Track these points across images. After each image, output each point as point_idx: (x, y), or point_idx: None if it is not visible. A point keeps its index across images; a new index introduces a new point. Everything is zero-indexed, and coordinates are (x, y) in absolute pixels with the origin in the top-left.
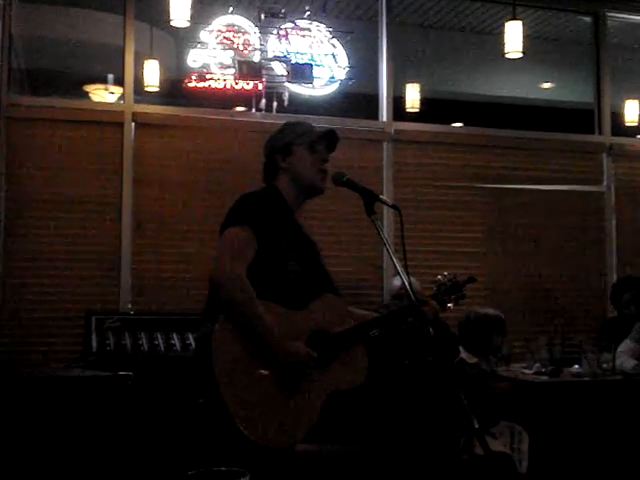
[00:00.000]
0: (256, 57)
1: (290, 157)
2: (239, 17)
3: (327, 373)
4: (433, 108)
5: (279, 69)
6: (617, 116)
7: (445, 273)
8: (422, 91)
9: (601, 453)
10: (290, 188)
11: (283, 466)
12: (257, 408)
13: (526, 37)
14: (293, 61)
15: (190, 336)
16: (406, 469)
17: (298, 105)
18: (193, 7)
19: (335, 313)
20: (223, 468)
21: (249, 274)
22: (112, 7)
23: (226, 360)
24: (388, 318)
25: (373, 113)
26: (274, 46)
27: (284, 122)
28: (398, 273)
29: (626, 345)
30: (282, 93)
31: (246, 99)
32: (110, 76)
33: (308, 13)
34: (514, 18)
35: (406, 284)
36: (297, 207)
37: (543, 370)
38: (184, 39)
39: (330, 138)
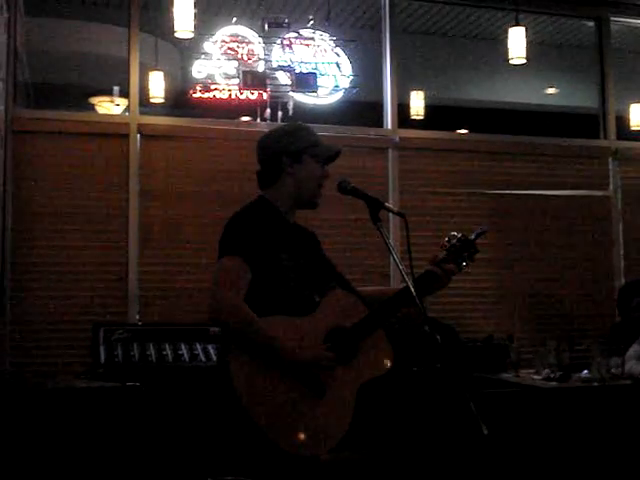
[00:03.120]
0: (260, 67)
1: (299, 165)
2: (243, 27)
3: (352, 367)
4: (438, 115)
5: (283, 78)
6: (622, 120)
7: (452, 233)
8: (426, 98)
9: (611, 458)
10: (288, 195)
11: (293, 475)
12: (287, 420)
13: (530, 43)
14: (297, 70)
15: (198, 346)
16: (413, 475)
17: (303, 114)
18: (197, 18)
19: (346, 306)
20: (230, 477)
21: (255, 294)
22: (116, 19)
23: (247, 385)
24: (396, 299)
25: (378, 121)
26: (278, 56)
27: (291, 123)
28: (405, 280)
29: (635, 349)
30: (287, 102)
31: (251, 109)
32: (115, 88)
33: (312, 22)
34: (517, 24)
35: (412, 291)
36: (289, 215)
37: (552, 376)
38: (188, 50)
39: (335, 157)
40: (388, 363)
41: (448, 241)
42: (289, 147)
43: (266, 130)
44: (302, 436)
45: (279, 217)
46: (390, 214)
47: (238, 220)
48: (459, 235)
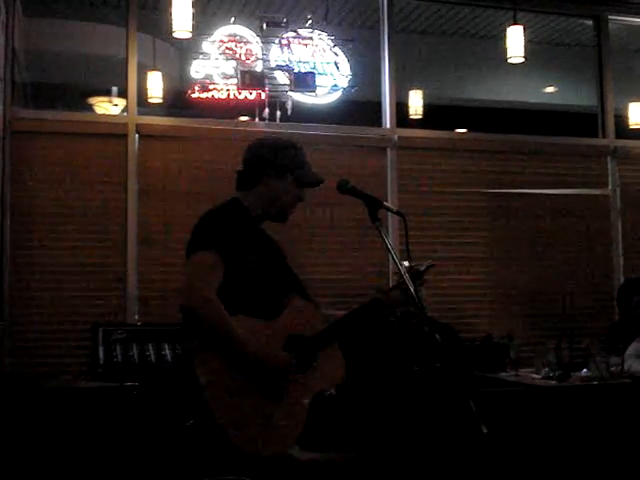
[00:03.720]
0: (259, 67)
1: (279, 181)
2: (241, 27)
3: (308, 375)
4: (436, 114)
5: (282, 78)
6: (621, 119)
7: (405, 263)
8: (425, 97)
9: (611, 457)
10: (260, 203)
11: (289, 475)
12: (247, 420)
13: (528, 42)
14: (296, 70)
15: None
16: (413, 475)
17: (301, 114)
18: (195, 18)
19: (307, 316)
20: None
21: (221, 292)
22: (114, 20)
23: (211, 379)
24: (357, 314)
25: (376, 120)
26: (276, 55)
27: (285, 139)
28: (403, 280)
29: (634, 348)
30: (285, 102)
31: (249, 109)
32: (113, 88)
33: (310, 22)
34: (515, 23)
35: (411, 290)
36: (259, 221)
37: (551, 375)
38: (187, 50)
39: (315, 185)
40: (341, 377)
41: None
42: (276, 161)
43: (265, 130)
44: (257, 436)
45: (250, 221)
46: (389, 213)
47: (212, 217)
48: (410, 265)
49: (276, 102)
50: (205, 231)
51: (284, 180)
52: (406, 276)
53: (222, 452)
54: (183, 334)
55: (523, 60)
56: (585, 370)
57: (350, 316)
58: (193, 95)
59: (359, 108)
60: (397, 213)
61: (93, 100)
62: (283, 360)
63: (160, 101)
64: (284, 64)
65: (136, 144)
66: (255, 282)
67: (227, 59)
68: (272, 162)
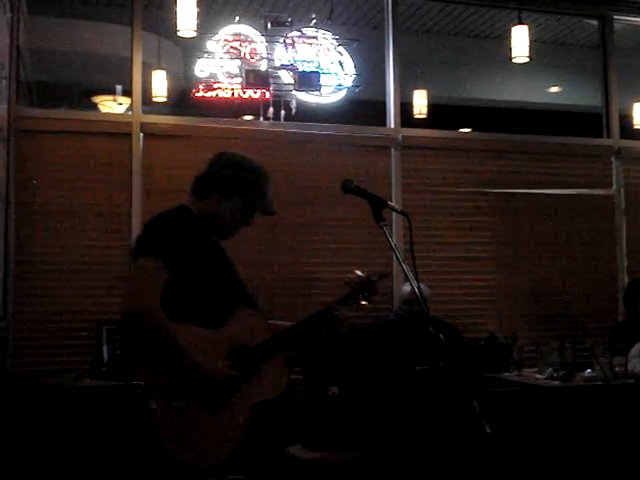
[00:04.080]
0: (263, 66)
1: (226, 200)
2: (245, 26)
3: (250, 386)
4: (441, 114)
5: (286, 77)
6: (625, 119)
7: (356, 271)
8: (429, 97)
9: (614, 457)
10: (204, 217)
11: (292, 475)
12: (184, 430)
13: (533, 41)
14: (300, 69)
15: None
16: (416, 474)
17: (306, 113)
18: (200, 17)
19: (253, 327)
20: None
21: (166, 299)
22: (119, 18)
23: (149, 390)
24: (302, 326)
25: (380, 120)
26: (281, 54)
27: (251, 161)
28: (408, 279)
29: (638, 348)
30: (289, 101)
31: (254, 108)
32: (118, 87)
33: (314, 21)
34: (520, 23)
35: (416, 290)
36: (208, 231)
37: (555, 375)
38: (191, 49)
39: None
40: (282, 389)
41: (349, 281)
42: (228, 180)
43: (269, 129)
44: (193, 446)
45: (199, 229)
46: (393, 213)
47: (158, 223)
48: (362, 275)
49: (280, 101)
50: (149, 237)
51: (230, 201)
52: (410, 276)
53: (159, 462)
54: (125, 338)
55: (528, 60)
56: (589, 370)
57: (294, 329)
58: (197, 94)
59: (363, 107)
60: (401, 213)
61: (98, 99)
62: (223, 370)
63: (165, 100)
64: (288, 63)
65: (141, 143)
66: (202, 290)
67: (232, 58)
68: (224, 180)
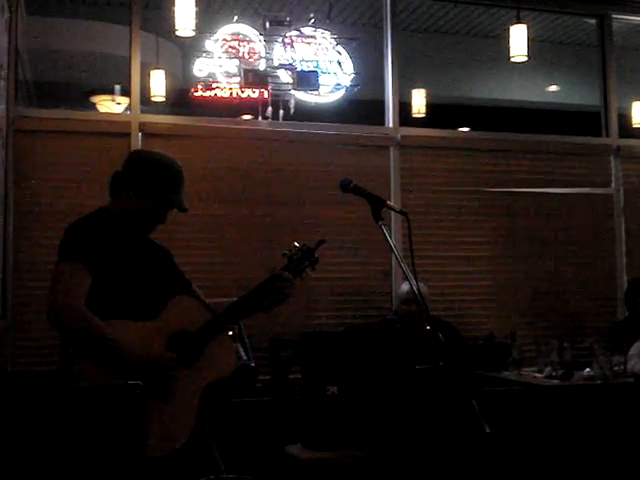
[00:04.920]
0: (262, 65)
1: (136, 200)
2: (244, 26)
3: (196, 370)
4: (439, 113)
5: (285, 77)
6: (624, 118)
7: (294, 244)
8: (428, 96)
9: (613, 456)
10: (120, 215)
11: (290, 474)
12: None
13: (531, 40)
14: (299, 69)
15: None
16: (416, 473)
17: (304, 112)
18: (198, 17)
19: (191, 312)
20: (232, 476)
21: (93, 301)
22: (118, 18)
23: (96, 384)
24: (244, 300)
25: (379, 119)
26: (279, 54)
27: (165, 158)
28: (406, 278)
29: (637, 347)
30: (288, 101)
31: (252, 107)
32: (116, 87)
33: (313, 20)
34: (518, 22)
35: (414, 289)
36: (128, 228)
37: (554, 374)
38: (190, 49)
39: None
40: (231, 366)
41: (289, 251)
42: (141, 177)
43: (268, 128)
44: (150, 437)
45: (119, 228)
46: (392, 212)
47: (80, 227)
48: (300, 245)
49: (279, 101)
50: (68, 242)
51: (142, 198)
52: (409, 275)
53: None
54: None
55: (526, 59)
56: (588, 369)
57: (236, 305)
58: (196, 94)
59: (362, 107)
60: (400, 212)
61: (96, 99)
62: (160, 356)
63: (163, 100)
64: (287, 63)
65: (139, 143)
66: (129, 288)
67: (230, 58)
68: (135, 178)
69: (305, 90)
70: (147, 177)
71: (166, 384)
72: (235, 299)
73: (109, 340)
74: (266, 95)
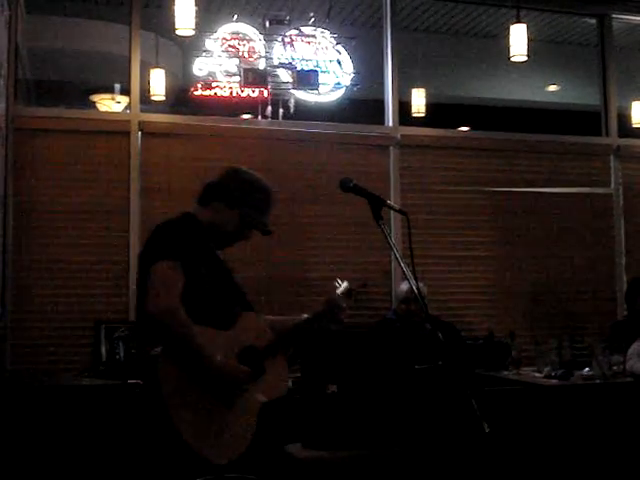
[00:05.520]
0: (261, 64)
1: (227, 211)
2: (244, 25)
3: (258, 386)
4: (439, 112)
5: (284, 76)
6: (624, 117)
7: (344, 284)
8: (428, 96)
9: (612, 455)
10: (206, 224)
11: (290, 473)
12: (204, 428)
13: (531, 40)
14: (298, 68)
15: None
16: (415, 472)
17: (304, 112)
18: (198, 16)
19: (257, 328)
20: (234, 475)
21: (182, 301)
22: (118, 17)
23: (173, 388)
24: (306, 324)
25: (379, 118)
26: (279, 53)
27: (262, 181)
28: (406, 278)
29: (636, 347)
30: (288, 100)
31: (252, 106)
32: (116, 86)
33: (313, 20)
34: (518, 21)
35: (414, 289)
36: (209, 238)
37: (553, 373)
38: (190, 48)
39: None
40: (284, 390)
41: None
42: (235, 192)
43: (267, 127)
44: (213, 443)
45: (204, 236)
46: (392, 212)
47: (173, 228)
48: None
49: (279, 100)
50: (165, 241)
51: (231, 212)
52: (408, 275)
53: (180, 458)
54: (143, 340)
55: (526, 58)
56: (587, 369)
57: (297, 328)
58: (196, 93)
59: (362, 106)
60: (400, 212)
61: (96, 97)
62: (243, 372)
63: (163, 99)
64: (287, 62)
65: (139, 141)
66: (211, 294)
67: (230, 57)
68: (230, 191)
69: (305, 89)
70: (242, 193)
71: (232, 395)
72: (296, 321)
73: (198, 345)
74: (266, 94)
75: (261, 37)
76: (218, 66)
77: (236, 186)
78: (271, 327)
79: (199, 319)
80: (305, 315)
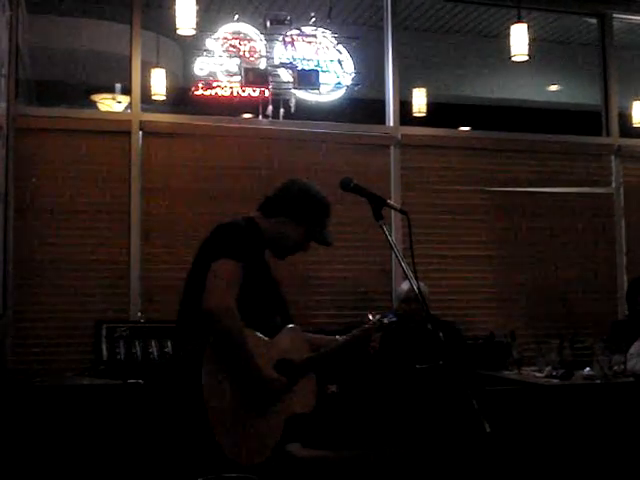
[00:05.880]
0: (262, 64)
1: (293, 225)
2: (245, 24)
3: (289, 398)
4: (440, 112)
5: (285, 76)
6: (624, 117)
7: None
8: (428, 95)
9: (613, 455)
10: (269, 235)
11: (289, 472)
12: (234, 426)
13: (532, 40)
14: (299, 67)
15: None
16: (416, 472)
17: (305, 111)
18: (199, 15)
19: (296, 343)
20: (234, 475)
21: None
22: (118, 17)
23: (212, 381)
24: (343, 348)
25: (380, 118)
26: (280, 53)
27: (322, 195)
28: (406, 277)
29: (637, 347)
30: (289, 100)
31: (253, 106)
32: (117, 85)
33: (314, 19)
34: (519, 21)
35: (415, 288)
36: (265, 247)
37: (554, 373)
38: (190, 47)
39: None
40: (312, 406)
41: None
42: (301, 208)
43: (268, 127)
44: (240, 443)
45: (262, 242)
46: (392, 211)
47: (238, 229)
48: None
49: (279, 100)
50: (232, 241)
51: (298, 226)
52: (409, 274)
53: (207, 451)
54: (188, 334)
55: (527, 58)
56: (588, 369)
57: (336, 351)
58: (197, 92)
59: (363, 106)
60: (400, 211)
61: (97, 97)
62: (281, 383)
63: (164, 98)
64: (288, 62)
65: (140, 141)
66: (258, 301)
67: (231, 56)
68: (297, 207)
69: (306, 89)
70: (308, 211)
71: (266, 402)
72: (337, 343)
73: (248, 350)
74: (267, 94)
75: (262, 37)
76: (219, 66)
77: (302, 204)
78: (309, 343)
79: (247, 324)
80: (340, 337)
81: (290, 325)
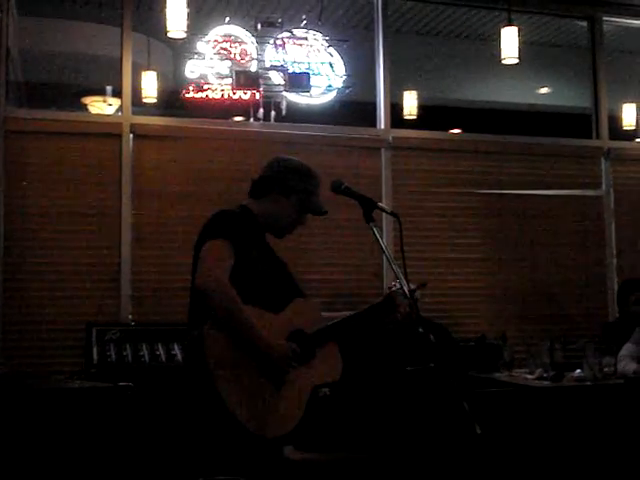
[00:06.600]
0: (253, 67)
1: (285, 200)
2: (236, 27)
3: (308, 369)
4: (430, 115)
5: (276, 78)
6: (614, 120)
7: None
8: (419, 98)
9: (603, 457)
10: (264, 216)
11: (282, 475)
12: (251, 401)
13: (522, 43)
14: (290, 70)
15: (177, 346)
16: (407, 474)
17: (296, 114)
18: (190, 18)
19: (309, 315)
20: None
21: (231, 281)
22: (109, 19)
23: (219, 361)
24: (360, 317)
25: (371, 121)
26: (271, 55)
27: (305, 165)
28: (398, 280)
29: (628, 349)
30: (280, 102)
31: (244, 109)
32: (108, 88)
33: (305, 22)
34: (509, 24)
35: (405, 291)
36: (264, 230)
37: (545, 375)
38: (181, 50)
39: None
40: (337, 375)
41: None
42: (287, 181)
43: (259, 130)
44: (260, 417)
45: (257, 227)
46: (383, 214)
47: (226, 214)
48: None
49: (271, 102)
50: (218, 223)
51: (287, 200)
52: (400, 276)
53: (228, 431)
54: (190, 325)
55: (517, 61)
56: (578, 371)
57: (353, 317)
58: (188, 95)
59: (353, 108)
60: (391, 214)
61: (87, 100)
62: (289, 348)
63: (155, 101)
64: (279, 64)
65: (130, 144)
66: (259, 278)
67: (222, 59)
68: (283, 181)
69: (297, 92)
70: (295, 181)
71: (282, 373)
72: (346, 315)
73: (247, 321)
74: (258, 97)
75: (253, 39)
76: (210, 68)
77: (288, 175)
78: (325, 318)
79: (249, 300)
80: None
81: (300, 298)
